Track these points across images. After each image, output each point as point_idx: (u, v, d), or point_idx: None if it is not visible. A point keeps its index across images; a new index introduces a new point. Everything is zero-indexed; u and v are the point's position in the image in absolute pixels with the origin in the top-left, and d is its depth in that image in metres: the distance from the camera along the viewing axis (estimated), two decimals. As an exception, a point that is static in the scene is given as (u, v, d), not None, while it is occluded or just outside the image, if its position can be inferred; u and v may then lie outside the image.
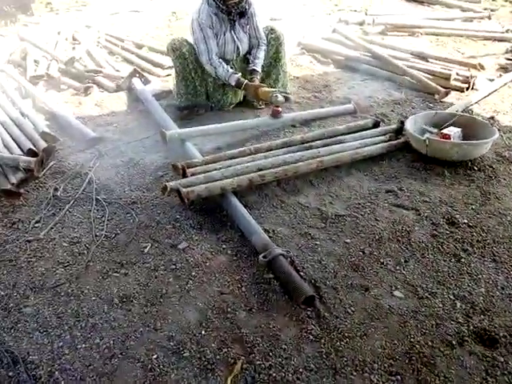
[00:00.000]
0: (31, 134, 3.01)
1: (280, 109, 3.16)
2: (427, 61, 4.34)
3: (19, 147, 2.89)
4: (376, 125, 3.28)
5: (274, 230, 2.31)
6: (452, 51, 4.91)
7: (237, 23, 3.31)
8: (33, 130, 3.09)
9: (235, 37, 3.33)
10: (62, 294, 1.96)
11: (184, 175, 2.50)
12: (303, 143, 2.95)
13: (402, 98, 3.80)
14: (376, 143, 2.98)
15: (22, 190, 2.62)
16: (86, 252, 2.21)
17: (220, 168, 2.57)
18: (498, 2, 6.63)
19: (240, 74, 3.29)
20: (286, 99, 3.35)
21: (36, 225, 2.41)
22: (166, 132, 2.85)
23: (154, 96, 3.69)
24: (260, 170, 2.58)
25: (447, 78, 3.93)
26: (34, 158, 2.62)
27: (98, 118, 3.53)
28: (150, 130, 3.32)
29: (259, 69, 3.38)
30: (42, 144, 2.89)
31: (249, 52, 3.47)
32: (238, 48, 3.39)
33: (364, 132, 3.09)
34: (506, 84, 4.05)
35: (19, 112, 3.35)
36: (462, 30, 5.32)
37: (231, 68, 3.35)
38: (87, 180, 2.73)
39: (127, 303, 1.91)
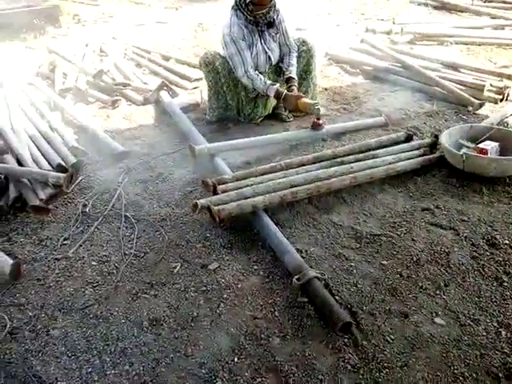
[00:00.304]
0: (60, 149, 3.00)
1: (321, 121, 3.13)
2: (459, 71, 4.23)
3: (48, 162, 2.88)
4: (409, 138, 3.20)
5: (306, 250, 2.24)
6: (484, 61, 4.77)
7: (266, 33, 3.28)
8: (62, 144, 3.08)
9: (266, 47, 3.31)
10: (91, 315, 1.93)
11: (215, 192, 2.46)
12: (335, 158, 2.88)
13: (434, 110, 3.69)
14: (410, 158, 2.89)
15: (50, 206, 2.60)
16: (115, 271, 2.17)
17: (251, 184, 2.51)
18: (529, 8, 6.43)
19: (279, 84, 3.25)
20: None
21: (65, 242, 2.39)
22: (196, 147, 2.81)
23: (182, 109, 3.66)
24: (292, 186, 2.52)
25: (481, 88, 3.81)
26: (64, 174, 2.60)
27: (126, 132, 3.52)
28: (179, 144, 3.29)
29: (294, 75, 3.32)
30: (72, 159, 2.89)
31: (280, 61, 3.44)
32: (269, 58, 3.36)
33: (397, 146, 3.00)
34: (543, 95, 3.90)
35: (48, 126, 3.36)
36: (493, 39, 5.17)
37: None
38: (116, 196, 2.71)
39: (157, 327, 1.86)
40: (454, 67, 4.28)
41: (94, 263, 2.23)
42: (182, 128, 3.37)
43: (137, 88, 4.00)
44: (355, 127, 3.38)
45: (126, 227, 2.48)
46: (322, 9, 7.04)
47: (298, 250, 2.21)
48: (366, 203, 2.61)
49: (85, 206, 2.63)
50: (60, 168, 2.80)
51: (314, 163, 2.83)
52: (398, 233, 2.36)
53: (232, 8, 3.19)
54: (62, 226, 2.52)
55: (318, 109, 3.08)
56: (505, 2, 6.76)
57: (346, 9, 6.91)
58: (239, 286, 2.05)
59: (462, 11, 6.52)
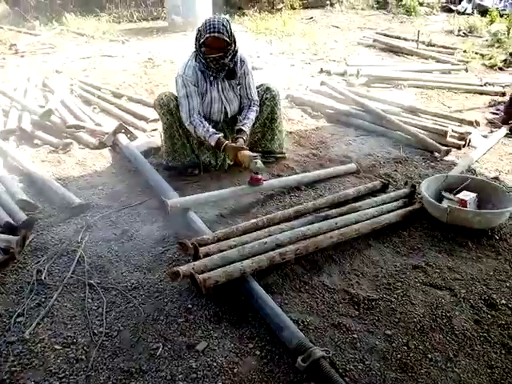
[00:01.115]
0: (6, 202, 2.62)
1: (260, 176, 2.83)
2: (418, 115, 4.27)
3: (-7, 218, 2.50)
4: (384, 187, 3.13)
5: (303, 321, 2.02)
6: (438, 104, 4.89)
7: (226, 83, 3.07)
8: (6, 194, 2.69)
9: (223, 97, 3.10)
10: (60, 420, 1.58)
11: (196, 256, 2.19)
12: (316, 211, 2.74)
13: (402, 157, 3.66)
14: (391, 210, 2.79)
15: (-2, 275, 2.22)
16: (84, 357, 1.84)
17: (235, 245, 2.27)
18: (468, 54, 6.78)
19: (222, 134, 3.01)
20: (283, 157, 3.30)
21: (18, 319, 2.02)
22: (168, 201, 2.54)
23: (142, 153, 3.38)
24: (278, 245, 2.31)
25: (443, 134, 3.84)
26: (15, 237, 2.23)
27: (80, 180, 3.17)
28: (142, 195, 3.00)
29: (247, 129, 3.05)
30: (21, 215, 2.51)
31: (239, 113, 3.22)
32: (225, 108, 3.16)
33: (377, 198, 2.90)
34: (499, 141, 4.00)
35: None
36: (443, 83, 5.34)
37: (218, 129, 3.11)
38: (76, 259, 2.36)
39: (144, 432, 1.55)
40: (413, 111, 4.32)
41: (57, 347, 1.88)
42: (146, 176, 3.08)
43: (90, 130, 3.66)
44: (329, 175, 3.26)
45: (92, 298, 2.15)
46: (274, 48, 7.05)
47: (293, 320, 1.99)
48: (354, 261, 2.45)
49: (39, 272, 2.27)
50: (8, 227, 2.42)
51: (296, 217, 2.66)
52: (395, 296, 2.21)
53: (194, 50, 2.98)
54: (13, 298, 2.14)
55: (256, 163, 2.78)
56: (444, 47, 7.10)
57: (298, 48, 6.95)
58: (235, 370, 1.78)
59: (407, 54, 6.75)
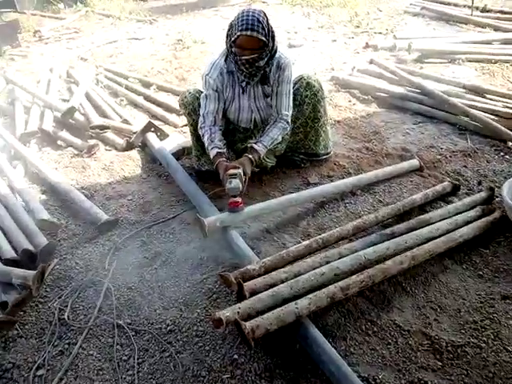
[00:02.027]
0: (25, 223, 2.32)
1: (238, 199, 2.29)
2: (484, 96, 3.73)
3: (10, 243, 2.20)
4: (455, 189, 2.69)
5: (374, 378, 1.65)
6: (503, 81, 4.30)
7: (260, 89, 2.60)
8: (25, 213, 2.40)
9: (253, 106, 2.65)
10: None
11: (240, 293, 1.83)
12: (378, 224, 2.33)
13: (471, 148, 3.16)
14: (468, 221, 2.34)
15: (16, 317, 1.93)
16: (113, 428, 1.52)
17: (286, 278, 1.90)
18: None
19: (224, 150, 2.54)
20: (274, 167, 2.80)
21: (39, 373, 1.74)
22: (205, 221, 2.18)
23: (174, 154, 3.02)
24: (337, 275, 1.92)
25: (517, 119, 3.31)
26: (33, 273, 1.92)
27: (107, 188, 2.84)
28: (176, 205, 2.66)
29: (260, 148, 2.53)
30: (41, 240, 2.21)
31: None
32: (254, 119, 2.72)
33: (450, 206, 2.45)
34: None
35: (7, 185, 2.67)
36: (509, 56, 4.70)
37: (248, 136, 2.73)
38: (103, 292, 2.05)
39: None
40: (477, 91, 3.78)
41: (82, 412, 1.58)
42: (179, 183, 2.73)
43: (117, 128, 3.31)
44: (388, 175, 2.82)
45: (122, 345, 1.84)
46: (312, 22, 6.48)
47: (362, 378, 1.62)
48: (429, 290, 2.05)
49: (62, 310, 1.97)
50: (26, 255, 2.12)
51: (356, 233, 2.26)
52: (485, 339, 1.80)
53: (226, 45, 2.50)
54: (33, 344, 1.86)
55: (230, 182, 2.27)
56: (502, 13, 6.36)
57: (339, 21, 6.35)
58: None
59: (461, 22, 6.07)
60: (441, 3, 6.85)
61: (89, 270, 2.19)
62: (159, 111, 3.73)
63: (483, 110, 3.46)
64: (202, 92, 2.65)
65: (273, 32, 2.40)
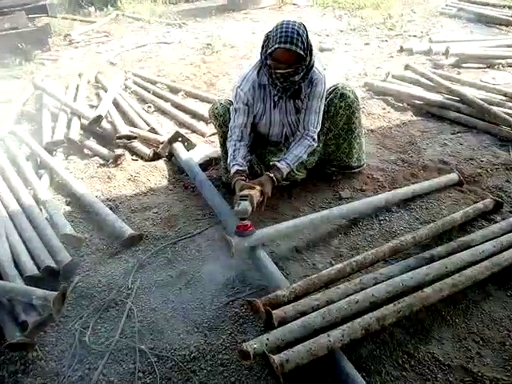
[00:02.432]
0: (49, 238, 2.27)
1: (247, 223, 2.13)
2: (528, 104, 3.52)
3: (32, 259, 2.15)
4: (498, 206, 2.51)
5: (412, 418, 1.51)
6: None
7: (292, 103, 2.48)
8: (49, 227, 2.35)
9: (285, 121, 2.53)
10: None
11: (269, 322, 1.72)
12: (416, 245, 2.19)
13: (513, 160, 2.98)
14: (513, 242, 2.18)
15: (36, 338, 1.87)
16: None
17: (318, 306, 1.78)
18: None
19: (246, 167, 2.43)
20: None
21: (58, 401, 1.66)
22: (232, 240, 2.07)
23: (201, 165, 2.94)
24: (373, 303, 1.80)
25: None
26: (53, 294, 1.85)
27: (133, 200, 2.78)
28: (202, 220, 2.57)
29: (283, 167, 2.42)
30: (65, 256, 2.15)
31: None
32: (285, 133, 2.60)
33: (494, 227, 2.28)
34: None
35: (32, 196, 2.63)
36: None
37: (279, 149, 2.61)
38: (125, 314, 1.97)
39: None
40: (521, 100, 3.57)
41: None
42: (206, 197, 2.64)
43: (144, 138, 3.25)
44: (426, 190, 2.66)
45: (144, 372, 1.75)
46: (344, 24, 6.32)
47: (400, 420, 1.49)
48: (471, 320, 1.89)
49: (83, 331, 1.90)
50: (48, 272, 2.07)
51: (392, 256, 2.12)
52: (535, 379, 1.64)
53: (260, 57, 2.38)
54: (53, 367, 1.79)
55: (238, 204, 2.13)
56: (546, 13, 6.07)
57: (372, 23, 6.17)
58: None
59: (501, 24, 5.81)
60: (479, 4, 6.59)
61: (112, 289, 2.12)
62: (187, 119, 3.66)
63: (525, 118, 3.26)
64: (232, 103, 2.55)
65: (311, 46, 2.28)
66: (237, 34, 6.21)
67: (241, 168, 2.39)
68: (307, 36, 2.23)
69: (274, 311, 1.73)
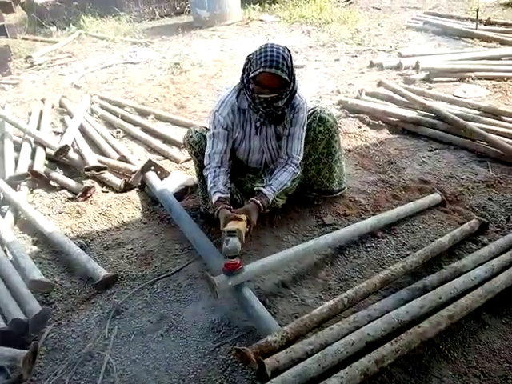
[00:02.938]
0: (15, 285, 2.09)
1: (236, 261, 1.96)
2: (500, 119, 3.53)
3: (-1, 312, 1.97)
4: (484, 226, 2.48)
5: None
6: (517, 100, 4.11)
7: (272, 129, 2.39)
8: (15, 273, 2.17)
9: (265, 147, 2.44)
10: None
11: (261, 373, 1.60)
12: (406, 273, 2.11)
13: (493, 178, 2.95)
14: (504, 266, 2.13)
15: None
16: None
17: (312, 349, 1.67)
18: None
19: (228, 194, 2.29)
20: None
21: None
22: (215, 280, 1.94)
23: (176, 195, 2.80)
24: (370, 344, 1.70)
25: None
26: (22, 354, 1.68)
27: (105, 236, 2.61)
28: (180, 255, 2.43)
29: (269, 193, 2.31)
30: (34, 306, 1.97)
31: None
32: (265, 160, 2.50)
33: (484, 250, 2.23)
34: None
35: (-3, 239, 2.44)
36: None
37: (258, 176, 2.53)
38: (104, 368, 1.81)
39: None
40: (495, 113, 3.58)
41: None
42: (183, 230, 2.51)
43: (114, 168, 3.09)
44: (410, 212, 2.60)
45: None
46: (313, 40, 6.29)
47: None
48: (469, 352, 1.82)
49: (58, 391, 1.73)
50: (17, 325, 1.89)
51: (383, 287, 2.04)
52: (540, 415, 1.57)
53: (240, 82, 2.29)
54: None
55: (227, 241, 1.96)
56: (507, 25, 6.21)
57: (340, 38, 6.16)
58: None
59: (466, 37, 5.89)
60: (443, 17, 6.71)
61: (87, 339, 1.95)
62: (158, 144, 3.51)
63: (502, 134, 3.27)
64: (208, 130, 2.43)
65: (294, 71, 2.19)
66: (205, 52, 6.11)
67: (223, 195, 2.25)
68: (291, 60, 2.15)
69: (266, 360, 1.61)
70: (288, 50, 2.14)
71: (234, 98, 2.29)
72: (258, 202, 2.27)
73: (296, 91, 2.26)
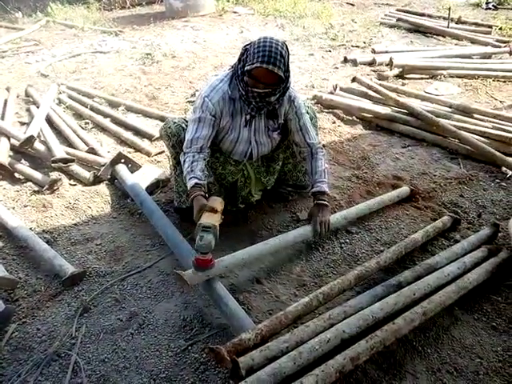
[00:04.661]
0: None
1: (208, 257, 1.89)
2: (471, 116, 3.58)
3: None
4: (456, 223, 2.53)
5: None
6: (486, 98, 4.19)
7: (263, 123, 2.33)
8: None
9: (253, 140, 2.37)
10: None
11: (235, 372, 1.56)
12: (381, 269, 2.11)
13: (465, 175, 2.99)
14: (476, 263, 2.15)
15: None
16: None
17: (287, 347, 1.64)
18: (505, 31, 6.02)
19: (205, 181, 2.16)
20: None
21: None
22: (185, 275, 1.89)
23: (148, 188, 2.73)
24: (344, 341, 1.69)
25: (508, 142, 3.17)
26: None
27: (72, 230, 2.52)
28: (151, 251, 2.37)
29: (324, 185, 2.35)
30: (-4, 305, 1.88)
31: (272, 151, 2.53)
32: (250, 152, 2.42)
33: (457, 247, 2.25)
34: None
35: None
36: (490, 71, 4.61)
37: (239, 169, 2.48)
38: (71, 368, 1.73)
39: None
40: (467, 111, 3.63)
41: None
42: (155, 225, 2.44)
43: (82, 160, 2.98)
44: (379, 205, 2.61)
45: None
46: (287, 34, 6.26)
47: None
48: (442, 348, 1.84)
49: (21, 393, 1.65)
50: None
51: (358, 283, 2.03)
52: (513, 411, 1.59)
53: (232, 69, 2.23)
54: None
55: (201, 238, 1.86)
56: (477, 25, 6.33)
57: (314, 33, 6.15)
58: None
59: (437, 34, 5.98)
60: (416, 14, 6.78)
61: (53, 338, 1.87)
62: (129, 136, 3.41)
63: (473, 131, 3.32)
64: (186, 122, 2.36)
65: (289, 68, 2.14)
66: (178, 44, 5.99)
67: (200, 182, 2.12)
68: (288, 57, 2.09)
69: (240, 359, 1.57)
70: (286, 47, 2.08)
71: (225, 86, 2.20)
72: (325, 202, 2.34)
73: (289, 87, 2.21)
